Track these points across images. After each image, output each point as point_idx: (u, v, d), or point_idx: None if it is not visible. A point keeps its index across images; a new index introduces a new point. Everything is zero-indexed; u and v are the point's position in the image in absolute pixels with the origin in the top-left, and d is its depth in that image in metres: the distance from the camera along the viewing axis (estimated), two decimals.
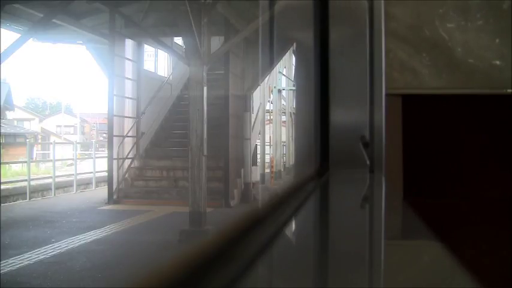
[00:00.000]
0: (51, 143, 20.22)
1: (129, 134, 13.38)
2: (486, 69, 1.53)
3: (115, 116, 12.72)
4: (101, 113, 31.74)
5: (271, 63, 7.58)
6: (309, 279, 0.65)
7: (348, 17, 1.58)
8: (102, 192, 13.23)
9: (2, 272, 6.15)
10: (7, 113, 28.77)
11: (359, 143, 1.49)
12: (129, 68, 13.40)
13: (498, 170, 1.62)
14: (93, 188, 15.46)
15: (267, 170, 17.69)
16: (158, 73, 16.20)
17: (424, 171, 1.64)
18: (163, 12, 11.91)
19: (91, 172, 16.15)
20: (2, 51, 9.16)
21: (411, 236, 0.92)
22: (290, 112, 20.18)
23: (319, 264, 0.73)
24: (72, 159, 17.12)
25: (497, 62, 1.52)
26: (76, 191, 14.71)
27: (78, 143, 24.56)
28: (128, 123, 13.40)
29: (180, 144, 13.17)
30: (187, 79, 11.79)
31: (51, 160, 15.95)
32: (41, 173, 18.54)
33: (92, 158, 17.18)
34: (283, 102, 20.57)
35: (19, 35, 10.41)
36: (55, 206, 11.69)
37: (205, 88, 9.26)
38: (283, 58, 17.38)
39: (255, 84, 13.67)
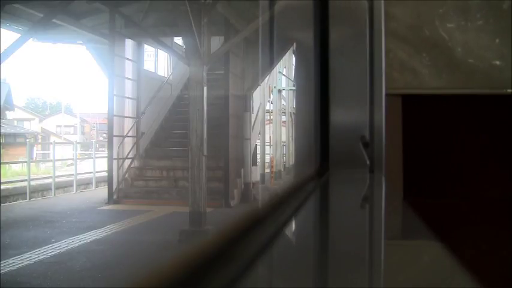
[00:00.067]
0: (51, 143, 20.23)
1: (129, 134, 13.38)
2: (486, 69, 1.53)
3: (115, 116, 12.73)
4: (101, 113, 31.75)
5: (271, 63, 7.58)
6: (309, 279, 0.65)
7: (348, 17, 1.58)
8: (102, 192, 13.23)
9: (2, 272, 6.15)
10: (7, 113, 28.77)
11: (359, 143, 1.49)
12: (129, 68, 13.40)
13: (498, 170, 1.62)
14: (93, 188, 15.46)
15: (267, 170, 17.69)
16: (158, 73, 16.20)
17: (424, 171, 1.64)
18: (163, 12, 11.91)
19: (91, 172, 16.15)
20: (2, 51, 9.16)
21: (411, 236, 0.92)
22: (290, 112, 20.18)
23: (319, 264, 0.73)
24: (72, 159, 17.12)
25: (497, 62, 1.52)
26: (76, 191, 14.71)
27: (78, 143, 24.56)
28: (128, 123, 13.40)
29: (180, 144, 13.17)
30: (187, 79, 11.79)
31: (51, 160, 15.95)
32: (41, 173, 18.54)
33: (92, 158, 17.19)
34: (283, 102, 20.58)
35: (19, 35, 10.42)
36: (55, 206, 11.69)
37: (205, 88, 9.26)
38: (283, 58, 17.38)
39: (255, 84, 13.67)
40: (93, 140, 25.23)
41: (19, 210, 10.98)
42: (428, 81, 1.55)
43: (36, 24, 10.52)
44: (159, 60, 16.64)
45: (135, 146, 13.60)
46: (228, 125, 12.66)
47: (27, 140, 24.84)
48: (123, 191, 12.76)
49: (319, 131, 1.53)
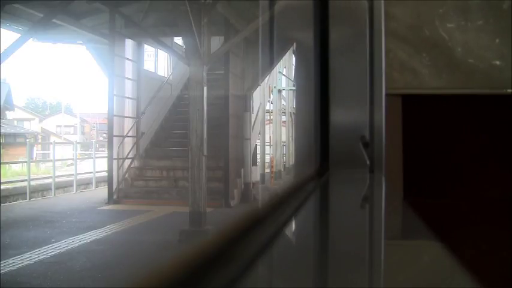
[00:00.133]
0: (51, 143, 20.23)
1: (129, 134, 13.38)
2: (486, 69, 1.53)
3: (115, 116, 12.73)
4: (101, 113, 31.74)
5: (271, 63, 7.58)
6: (309, 279, 0.65)
7: (348, 17, 1.58)
8: (102, 192, 13.23)
9: (2, 272, 6.15)
10: (7, 113, 28.77)
11: (359, 143, 1.49)
12: (129, 68, 13.40)
13: (498, 170, 1.62)
14: (93, 188, 15.46)
15: (267, 170, 17.69)
16: (158, 73, 16.20)
17: (424, 171, 1.64)
18: (163, 12, 11.91)
19: (91, 172, 16.15)
20: (2, 51, 9.16)
21: (411, 236, 0.92)
22: (290, 112, 20.18)
23: (319, 264, 0.73)
24: (72, 159, 17.12)
25: (497, 62, 1.52)
26: (76, 191, 14.71)
27: (78, 143, 24.56)
28: (128, 123, 13.40)
29: (180, 144, 13.17)
30: (187, 79, 11.79)
31: (51, 160, 15.95)
32: (41, 173, 18.54)
33: (92, 158, 17.19)
34: (283, 102, 20.57)
35: (19, 35, 10.42)
36: (55, 206, 11.69)
37: (205, 88, 9.27)
38: (283, 58, 17.38)
39: (255, 84, 13.67)
40: (93, 140, 25.23)
41: (19, 210, 10.98)
42: (428, 81, 1.55)
43: (36, 24, 10.52)
44: (159, 60, 16.65)
45: (135, 146, 13.60)
46: (228, 125, 12.66)
47: (27, 140, 24.84)
48: (123, 191, 12.76)
49: (319, 131, 1.53)
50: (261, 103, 15.61)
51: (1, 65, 9.54)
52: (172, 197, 12.19)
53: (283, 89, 20.39)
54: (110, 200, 12.28)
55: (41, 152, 28.15)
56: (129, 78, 13.39)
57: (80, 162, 18.28)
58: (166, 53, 15.71)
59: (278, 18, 2.53)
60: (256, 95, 14.64)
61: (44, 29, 11.22)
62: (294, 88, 17.05)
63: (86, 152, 26.11)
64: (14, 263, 6.56)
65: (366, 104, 1.51)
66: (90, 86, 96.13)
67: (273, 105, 19.27)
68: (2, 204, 10.83)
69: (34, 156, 23.74)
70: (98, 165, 16.22)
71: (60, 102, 48.93)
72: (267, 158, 18.54)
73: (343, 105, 1.54)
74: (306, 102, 1.81)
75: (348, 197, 1.33)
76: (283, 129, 20.80)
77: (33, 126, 35.68)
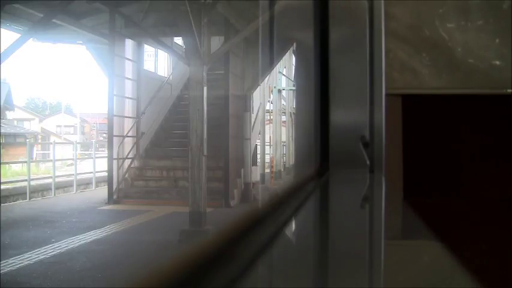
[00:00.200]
0: (51, 143, 20.23)
1: (129, 134, 13.38)
2: (486, 69, 1.53)
3: (115, 116, 12.73)
4: (101, 113, 31.74)
5: (271, 63, 7.58)
6: (309, 279, 0.65)
7: (348, 17, 1.58)
8: (102, 192, 13.23)
9: (2, 272, 6.15)
10: (7, 113, 28.77)
11: (359, 143, 1.49)
12: (129, 68, 13.40)
13: (498, 170, 1.62)
14: (93, 188, 15.46)
15: (267, 170, 17.69)
16: (158, 73, 16.20)
17: (424, 171, 1.64)
18: (163, 12, 11.91)
19: (91, 172, 16.15)
20: (2, 51, 9.16)
21: (411, 236, 0.92)
22: (290, 112, 20.18)
23: (319, 264, 0.73)
24: (72, 159, 17.12)
25: (497, 62, 1.52)
26: (76, 191, 14.71)
27: (78, 143, 24.56)
28: (128, 123, 13.40)
29: (180, 144, 13.17)
30: (187, 79, 11.79)
31: (51, 160, 15.95)
32: (41, 173, 18.53)
33: (92, 158, 17.19)
34: (283, 102, 20.57)
35: (19, 35, 10.42)
36: (55, 206, 11.69)
37: (205, 88, 9.27)
38: (283, 58, 17.37)
39: (255, 84, 13.67)
40: (93, 140, 25.23)
41: (19, 210, 10.98)
42: (428, 81, 1.55)
43: (36, 24, 10.52)
44: (159, 60, 16.65)
45: (135, 146, 13.60)
46: (228, 125, 12.66)
47: (27, 140, 24.84)
48: (123, 191, 12.76)
49: (319, 131, 1.52)
50: (261, 103, 15.61)
51: (1, 65, 9.54)
52: (172, 197, 12.19)
53: (283, 89, 20.39)
54: (110, 200, 12.28)
55: (41, 152, 28.15)
56: (129, 78, 13.39)
57: (80, 162, 18.28)
58: (166, 53, 15.71)
59: (278, 18, 2.53)
60: (256, 95, 14.64)
61: (44, 29, 11.22)
62: (294, 88, 17.05)
63: (86, 152, 26.11)
64: (14, 263, 6.56)
65: (366, 104, 1.51)
66: (90, 86, 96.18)
67: (273, 105, 19.27)
68: (2, 204, 10.83)
69: (34, 156, 23.74)
70: (98, 165, 16.22)
71: (60, 102, 48.97)
72: (267, 158, 18.54)
73: (343, 105, 1.53)
74: (306, 102, 1.81)
75: (348, 197, 1.33)
76: (283, 129, 20.80)
77: (33, 126, 35.68)
